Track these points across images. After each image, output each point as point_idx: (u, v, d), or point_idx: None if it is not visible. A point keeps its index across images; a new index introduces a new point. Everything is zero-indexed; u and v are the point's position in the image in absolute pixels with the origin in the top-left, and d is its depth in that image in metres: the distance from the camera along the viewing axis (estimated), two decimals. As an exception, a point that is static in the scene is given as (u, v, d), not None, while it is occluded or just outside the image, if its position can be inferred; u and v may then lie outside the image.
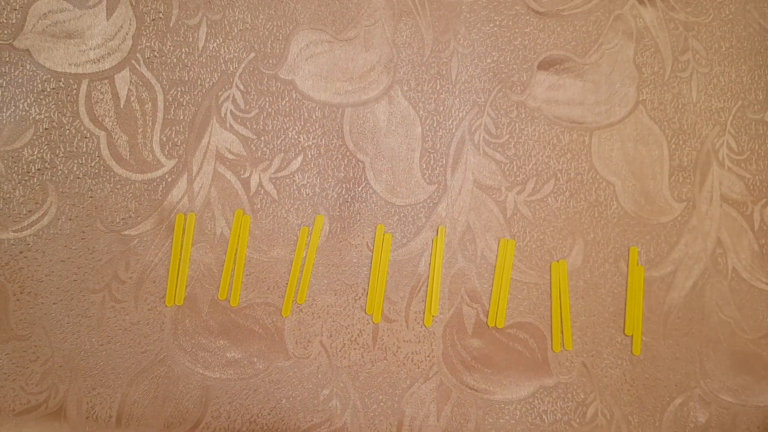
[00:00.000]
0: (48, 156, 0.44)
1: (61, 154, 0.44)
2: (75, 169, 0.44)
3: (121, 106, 0.45)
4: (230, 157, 0.45)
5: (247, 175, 0.45)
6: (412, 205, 0.46)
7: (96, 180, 0.45)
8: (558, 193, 0.47)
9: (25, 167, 0.44)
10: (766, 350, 0.46)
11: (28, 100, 0.44)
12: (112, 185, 0.45)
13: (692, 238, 0.47)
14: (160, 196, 0.45)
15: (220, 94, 0.46)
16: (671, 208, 0.47)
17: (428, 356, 0.45)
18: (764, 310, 0.47)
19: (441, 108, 0.47)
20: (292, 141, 0.46)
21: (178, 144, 0.45)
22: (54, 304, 0.44)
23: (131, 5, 0.46)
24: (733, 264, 0.47)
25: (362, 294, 0.45)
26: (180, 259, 0.44)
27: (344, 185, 0.46)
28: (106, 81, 0.45)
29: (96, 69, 0.45)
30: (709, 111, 0.48)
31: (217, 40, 0.46)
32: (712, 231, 0.47)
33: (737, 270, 0.47)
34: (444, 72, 0.47)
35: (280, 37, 0.46)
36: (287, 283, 0.45)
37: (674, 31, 0.48)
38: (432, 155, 0.47)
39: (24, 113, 0.44)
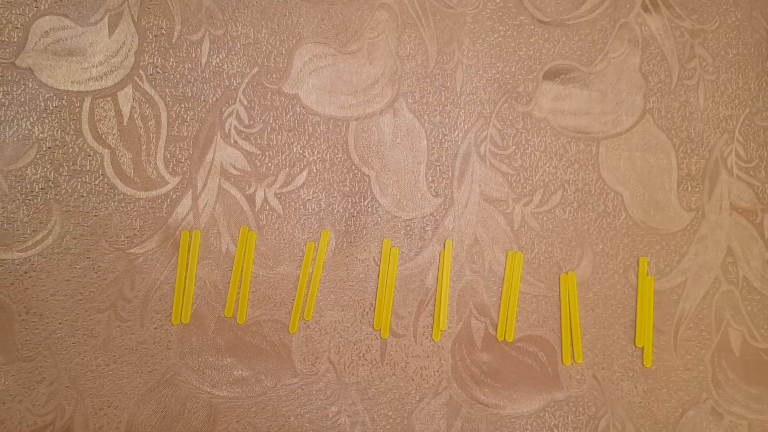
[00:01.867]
0: (51, 175, 0.44)
1: (65, 173, 0.44)
2: (79, 187, 0.44)
3: (125, 124, 0.45)
4: (235, 172, 0.45)
5: (252, 190, 0.45)
6: (419, 218, 0.46)
7: (100, 198, 0.44)
8: (566, 204, 0.46)
9: (28, 186, 0.44)
10: (779, 359, 0.46)
11: (31, 119, 0.44)
12: (116, 203, 0.44)
13: (702, 247, 0.47)
14: (165, 213, 0.44)
15: (223, 109, 0.45)
16: (680, 217, 0.47)
17: (437, 371, 0.45)
18: (776, 319, 0.46)
19: (446, 120, 0.47)
20: (297, 156, 0.46)
21: (183, 161, 0.45)
22: (59, 324, 0.43)
23: (133, 22, 0.45)
24: (744, 273, 0.47)
25: (369, 309, 0.45)
26: (186, 276, 0.44)
27: (350, 199, 0.46)
28: (109, 98, 0.45)
29: (99, 86, 0.45)
30: (716, 119, 0.48)
31: (220, 56, 0.46)
32: (722, 240, 0.47)
33: (748, 279, 0.46)
34: (449, 84, 0.47)
35: (284, 52, 0.46)
36: (294, 300, 0.45)
37: (680, 39, 0.48)
38: (438, 168, 0.46)
39: (27, 132, 0.44)
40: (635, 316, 0.46)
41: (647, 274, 0.46)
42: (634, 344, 0.45)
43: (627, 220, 0.46)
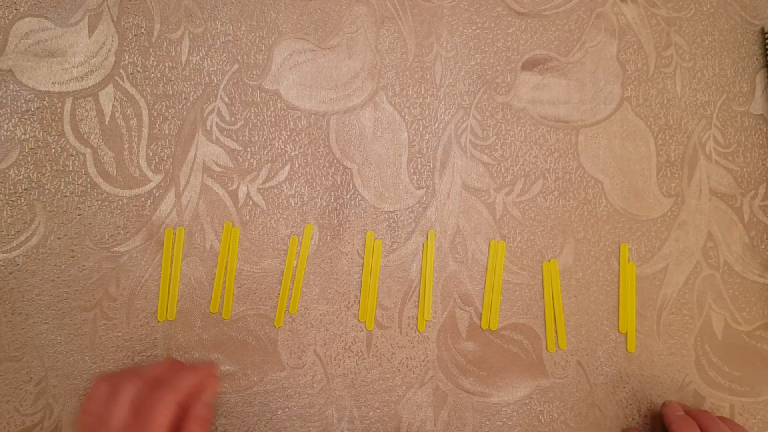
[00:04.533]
0: (35, 175, 0.44)
1: (48, 173, 0.44)
2: (62, 187, 0.44)
3: (106, 123, 0.45)
4: (217, 169, 0.45)
5: (234, 186, 0.45)
6: (401, 210, 0.46)
7: (83, 198, 0.44)
8: (546, 193, 0.47)
9: (12, 187, 0.44)
10: (762, 342, 0.46)
11: (13, 121, 0.44)
12: (99, 202, 0.45)
13: (683, 232, 0.47)
14: (149, 211, 0.45)
15: (205, 106, 0.46)
16: (660, 203, 0.47)
17: (423, 361, 0.45)
18: (757, 301, 0.47)
19: (426, 112, 0.47)
20: (279, 151, 0.46)
21: (165, 158, 0.45)
22: (45, 323, 0.43)
23: (113, 22, 0.46)
24: (724, 257, 0.47)
25: (354, 301, 0.45)
26: (170, 273, 0.44)
27: (332, 193, 0.46)
28: (90, 98, 0.45)
29: (80, 87, 0.45)
30: (694, 105, 0.48)
31: (200, 53, 0.46)
32: (703, 225, 0.47)
33: (729, 263, 0.47)
34: (428, 76, 0.47)
35: (263, 48, 0.47)
36: (279, 294, 0.45)
37: (656, 27, 0.48)
38: (419, 160, 0.47)
39: (9, 134, 0.44)
40: (618, 302, 0.46)
41: (629, 261, 0.46)
42: (618, 330, 0.46)
43: (608, 207, 0.47)
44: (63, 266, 0.44)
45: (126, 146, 0.45)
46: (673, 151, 0.48)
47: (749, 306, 0.47)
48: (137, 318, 0.44)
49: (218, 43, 0.46)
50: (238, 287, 0.45)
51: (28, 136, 0.44)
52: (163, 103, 0.45)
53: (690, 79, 0.48)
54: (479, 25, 0.48)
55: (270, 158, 0.46)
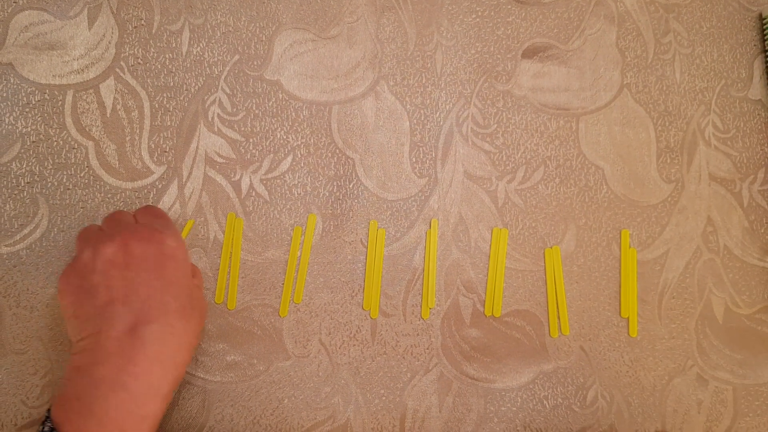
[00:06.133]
0: (37, 169, 0.44)
1: (50, 166, 0.44)
2: (65, 180, 0.44)
3: (108, 115, 0.45)
4: (220, 160, 0.45)
5: (237, 177, 0.46)
6: (404, 199, 0.46)
7: (86, 190, 0.44)
8: (548, 180, 0.47)
9: (14, 181, 0.44)
10: (762, 325, 0.47)
11: (14, 114, 0.44)
12: (102, 195, 0.45)
13: (683, 218, 0.47)
14: (152, 203, 0.45)
15: (206, 98, 0.46)
16: (660, 189, 0.48)
17: (427, 348, 0.45)
18: (757, 285, 0.47)
19: (428, 101, 0.47)
20: (281, 141, 0.46)
21: (167, 150, 0.45)
22: (50, 316, 0.43)
23: (112, 13, 0.46)
24: (724, 242, 0.47)
25: (359, 290, 0.45)
26: (175, 264, 0.44)
27: (335, 183, 0.46)
28: (91, 91, 0.45)
29: (80, 79, 0.45)
30: (693, 91, 0.48)
31: (201, 45, 0.46)
32: (702, 210, 0.48)
33: (729, 247, 0.47)
34: (429, 65, 0.47)
35: (264, 38, 0.47)
36: (283, 284, 0.45)
37: (655, 14, 0.49)
38: (421, 148, 0.47)
39: (10, 127, 0.44)
40: (619, 287, 0.47)
41: (630, 246, 0.47)
42: (620, 315, 0.46)
43: (608, 193, 0.47)
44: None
45: (128, 138, 0.45)
46: (673, 137, 0.48)
47: (749, 290, 0.47)
48: (142, 309, 0.44)
49: (218, 34, 0.46)
50: (243, 278, 0.45)
51: (29, 129, 0.44)
52: (165, 95, 0.45)
53: (689, 65, 0.49)
54: (479, 13, 0.48)
55: (272, 149, 0.46)
